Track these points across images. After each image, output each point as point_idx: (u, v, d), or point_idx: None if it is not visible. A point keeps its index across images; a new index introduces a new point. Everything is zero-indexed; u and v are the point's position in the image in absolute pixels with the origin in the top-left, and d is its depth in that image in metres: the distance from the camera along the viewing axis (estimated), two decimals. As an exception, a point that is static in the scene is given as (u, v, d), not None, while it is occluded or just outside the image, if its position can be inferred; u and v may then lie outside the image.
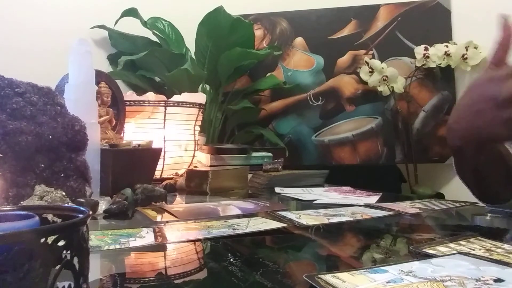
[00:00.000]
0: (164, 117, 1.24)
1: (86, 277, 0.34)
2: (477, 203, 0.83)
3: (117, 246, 0.54)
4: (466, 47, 1.63)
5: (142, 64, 1.64)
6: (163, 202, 0.87)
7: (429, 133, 1.70)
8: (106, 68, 1.68)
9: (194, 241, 0.59)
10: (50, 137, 0.68)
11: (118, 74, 1.55)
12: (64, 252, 0.31)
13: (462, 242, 0.54)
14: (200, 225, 0.67)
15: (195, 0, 1.77)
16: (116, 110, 1.14)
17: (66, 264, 0.31)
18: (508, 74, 0.60)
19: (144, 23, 1.65)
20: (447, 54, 1.64)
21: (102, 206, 0.76)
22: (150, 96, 1.26)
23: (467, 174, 0.78)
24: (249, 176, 1.22)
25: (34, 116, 0.68)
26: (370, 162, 1.72)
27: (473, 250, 0.50)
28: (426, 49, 1.66)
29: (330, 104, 1.77)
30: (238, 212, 0.79)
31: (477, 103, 0.63)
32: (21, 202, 0.62)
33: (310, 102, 1.78)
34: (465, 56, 1.63)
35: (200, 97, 1.35)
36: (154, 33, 1.69)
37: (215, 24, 1.58)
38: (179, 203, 0.96)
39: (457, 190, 0.93)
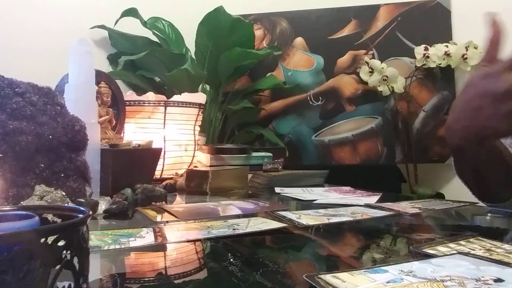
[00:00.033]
0: (164, 117, 1.24)
1: (86, 277, 0.34)
2: (477, 203, 0.83)
3: (117, 246, 0.54)
4: (466, 47, 1.63)
5: (142, 64, 1.63)
6: (163, 202, 0.87)
7: (429, 133, 1.69)
8: (106, 68, 1.68)
9: (194, 241, 0.59)
10: (50, 137, 0.68)
11: (118, 74, 1.55)
12: (64, 252, 0.31)
13: (462, 242, 0.54)
14: (200, 225, 0.67)
15: (195, 0, 1.77)
16: (116, 110, 1.14)
17: (66, 264, 0.31)
18: (504, 68, 0.60)
19: (144, 23, 1.64)
20: (447, 54, 1.64)
21: (102, 206, 0.76)
22: (150, 96, 1.26)
23: (467, 174, 0.78)
24: (249, 176, 1.22)
25: (34, 116, 0.68)
26: (370, 162, 1.72)
27: (473, 250, 0.50)
28: (426, 49, 1.66)
29: (330, 104, 1.77)
30: (238, 212, 0.79)
31: (475, 100, 0.62)
32: (21, 202, 0.62)
33: (310, 102, 1.78)
34: (465, 56, 1.63)
35: (200, 97, 1.35)
36: (154, 33, 1.69)
37: (215, 24, 1.58)
38: (179, 203, 0.96)
39: (457, 190, 0.93)
